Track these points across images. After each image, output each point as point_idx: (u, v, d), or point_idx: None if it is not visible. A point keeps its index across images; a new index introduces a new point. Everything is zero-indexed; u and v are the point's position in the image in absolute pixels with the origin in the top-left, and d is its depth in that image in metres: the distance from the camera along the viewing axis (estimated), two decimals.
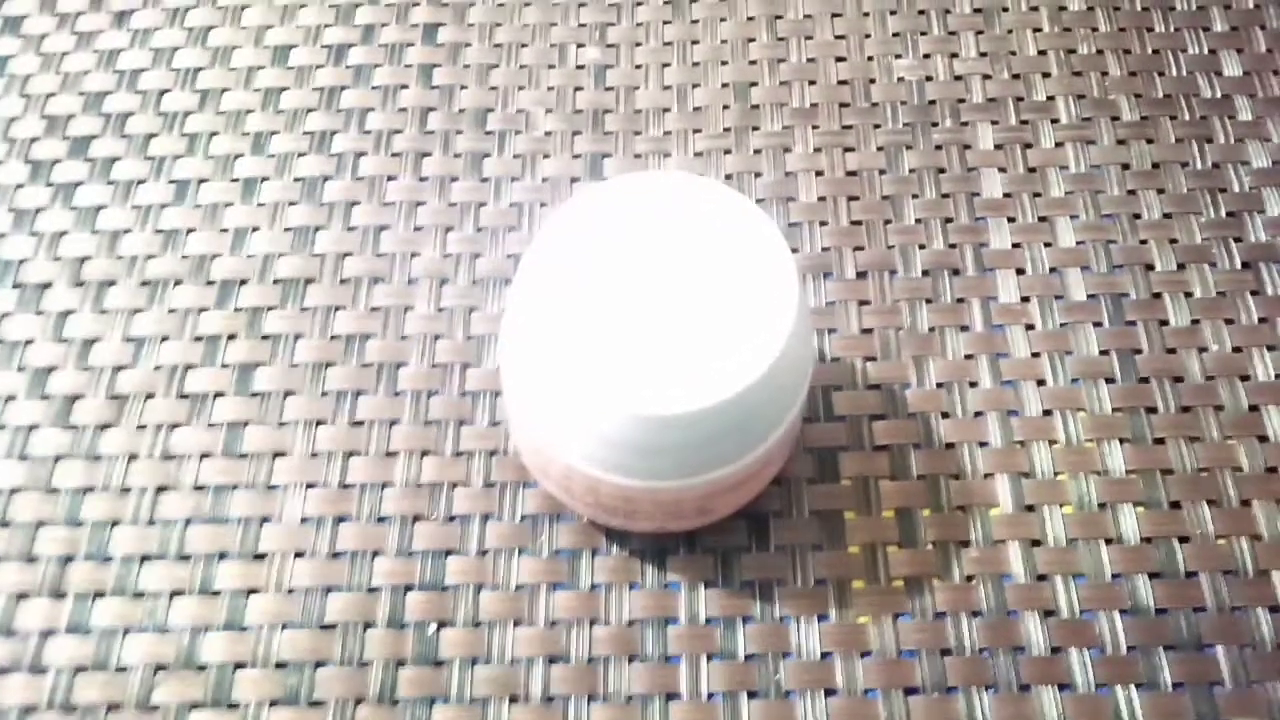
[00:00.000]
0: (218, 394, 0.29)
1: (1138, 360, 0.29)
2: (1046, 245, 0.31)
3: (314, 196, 0.32)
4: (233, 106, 0.34)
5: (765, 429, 0.23)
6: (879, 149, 0.33)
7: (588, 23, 0.35)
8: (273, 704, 0.25)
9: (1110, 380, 0.29)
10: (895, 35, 0.35)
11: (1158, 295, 0.30)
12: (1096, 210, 0.32)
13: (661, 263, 0.23)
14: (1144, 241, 0.31)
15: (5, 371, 0.29)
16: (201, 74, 0.34)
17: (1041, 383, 0.29)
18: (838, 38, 0.35)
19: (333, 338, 0.30)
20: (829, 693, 0.25)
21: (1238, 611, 0.26)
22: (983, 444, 0.28)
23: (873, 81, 0.34)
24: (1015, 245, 0.31)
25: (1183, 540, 0.27)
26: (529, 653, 0.26)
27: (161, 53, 0.35)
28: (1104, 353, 0.29)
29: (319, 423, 0.29)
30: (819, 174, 0.32)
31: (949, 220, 0.32)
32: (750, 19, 0.35)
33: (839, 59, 0.34)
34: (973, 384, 0.29)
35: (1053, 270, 0.31)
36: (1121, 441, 0.28)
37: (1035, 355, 0.29)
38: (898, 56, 0.34)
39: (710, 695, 0.25)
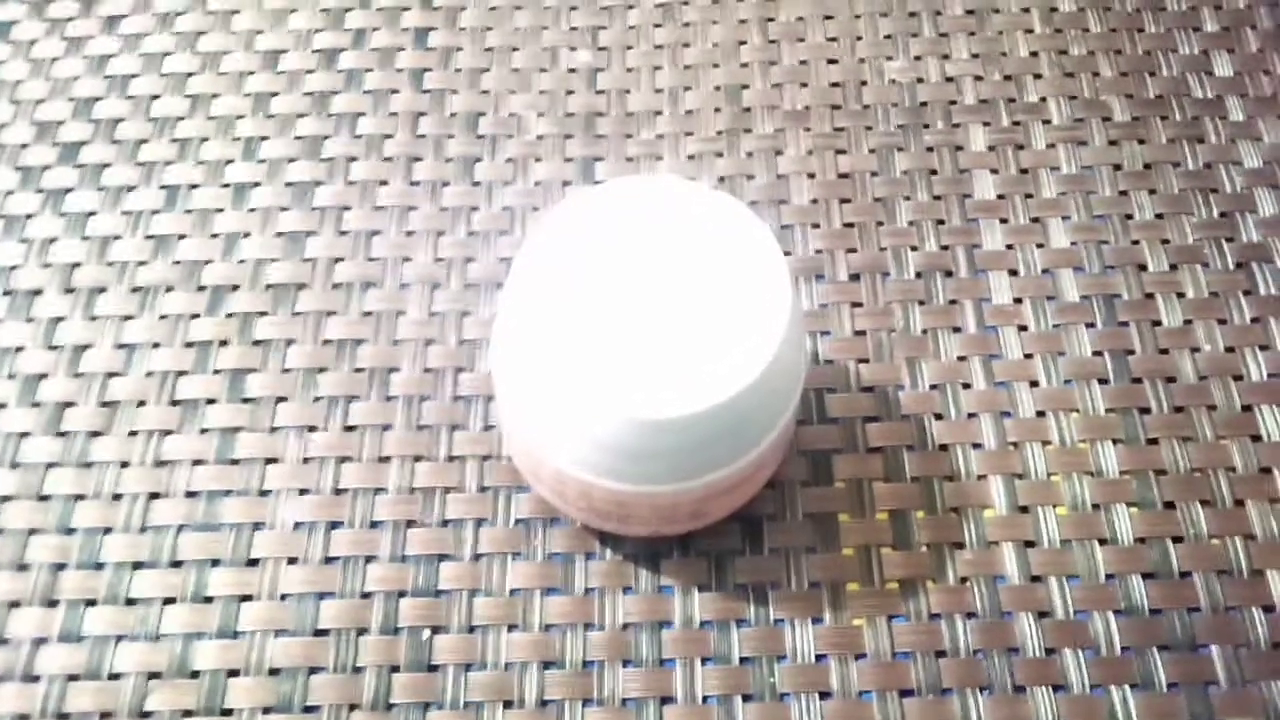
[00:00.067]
0: (209, 400, 0.29)
1: (1130, 361, 0.29)
2: (1039, 246, 0.31)
3: (305, 202, 0.32)
4: (223, 112, 0.34)
5: (759, 432, 0.23)
6: (871, 151, 0.33)
7: (579, 26, 0.35)
8: (266, 711, 0.25)
9: (1103, 381, 0.29)
10: (887, 37, 0.35)
11: (1150, 296, 0.30)
12: (1089, 211, 0.32)
13: (654, 266, 0.23)
14: (1136, 242, 0.31)
15: None
16: (191, 79, 0.34)
17: (1034, 384, 0.29)
18: (829, 40, 0.35)
19: (324, 343, 0.30)
20: (824, 695, 0.25)
21: (1232, 611, 0.26)
22: (976, 445, 0.28)
23: (864, 84, 0.34)
24: (1008, 246, 0.31)
25: (1176, 540, 0.27)
26: (523, 657, 0.26)
27: (151, 58, 0.35)
28: (1097, 353, 0.30)
29: (311, 428, 0.28)
30: (811, 176, 0.32)
31: (941, 222, 0.32)
32: (742, 22, 0.35)
33: (830, 61, 0.34)
34: (966, 385, 0.29)
35: (1045, 271, 0.31)
36: (1115, 442, 0.28)
37: (1028, 356, 0.29)
38: (889, 59, 0.34)
39: (705, 698, 0.25)
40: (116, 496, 0.28)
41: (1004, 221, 0.32)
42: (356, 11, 0.35)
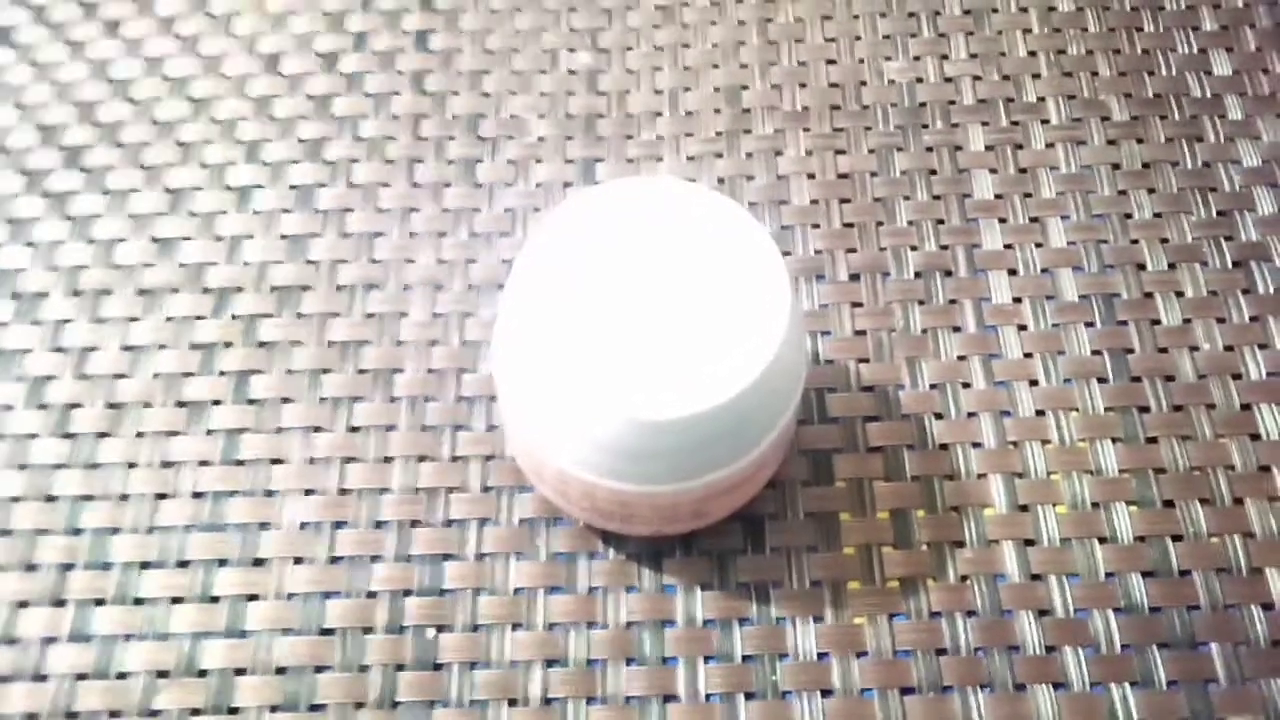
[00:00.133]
0: (215, 402, 0.29)
1: (1130, 360, 0.30)
2: (1038, 246, 0.31)
3: (308, 204, 0.32)
4: (226, 115, 0.34)
5: (759, 432, 0.24)
6: (870, 151, 0.33)
7: (579, 28, 0.35)
8: (273, 709, 0.25)
9: (1102, 380, 0.29)
10: (885, 38, 0.35)
11: (1149, 295, 0.31)
12: (1087, 210, 0.32)
13: (654, 267, 0.23)
14: (1135, 241, 0.31)
15: (3, 381, 0.29)
16: (194, 82, 0.34)
17: (1034, 383, 0.29)
18: (828, 41, 0.35)
19: (329, 344, 0.30)
20: (825, 693, 0.25)
21: (1231, 609, 0.26)
22: (976, 444, 0.28)
23: (863, 84, 0.34)
24: (1007, 246, 0.31)
25: (1176, 539, 0.27)
26: (527, 656, 0.26)
27: (154, 62, 0.35)
28: (1096, 352, 0.30)
29: (316, 429, 0.29)
30: (811, 177, 0.32)
31: (941, 222, 0.32)
32: (741, 23, 0.35)
33: (829, 62, 0.35)
34: (966, 385, 0.29)
35: (1044, 271, 0.31)
36: (1114, 441, 0.28)
37: (1028, 356, 0.30)
38: (888, 59, 0.35)
39: (708, 696, 0.25)
40: (124, 497, 0.28)
41: (1003, 221, 0.32)
42: (357, 14, 0.36)
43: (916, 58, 0.35)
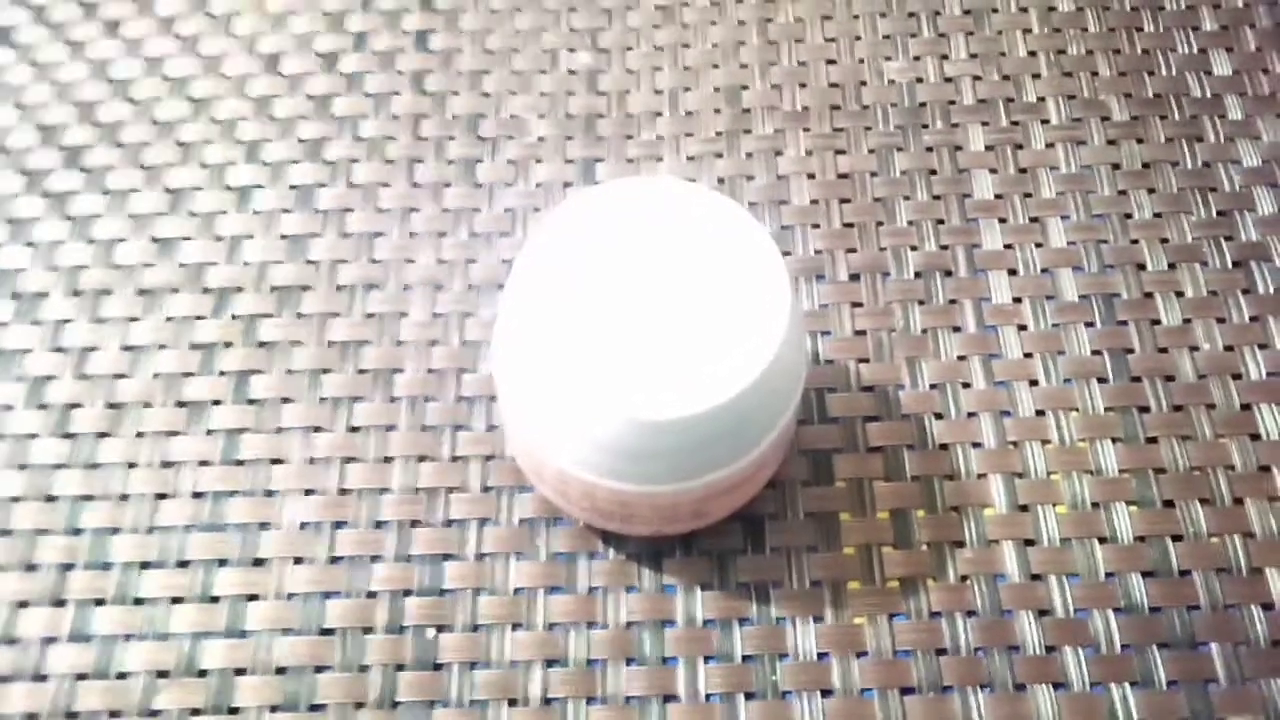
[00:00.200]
0: (215, 402, 0.29)
1: (1130, 360, 0.30)
2: (1038, 246, 0.31)
3: (308, 204, 0.32)
4: (226, 115, 0.34)
5: (759, 432, 0.24)
6: (870, 151, 0.33)
7: (579, 28, 0.35)
8: (273, 709, 0.25)
9: (1102, 380, 0.29)
10: (885, 38, 0.35)
11: (1149, 295, 0.31)
12: (1087, 210, 0.32)
13: (654, 268, 0.23)
14: (1135, 241, 0.31)
15: (3, 381, 0.29)
16: (194, 82, 0.34)
17: (1034, 383, 0.29)
18: (828, 41, 0.35)
19: (329, 344, 0.30)
20: (825, 693, 0.25)
21: (1231, 609, 0.26)
22: (976, 444, 0.28)
23: (863, 84, 0.34)
24: (1007, 246, 0.31)
25: (1176, 539, 0.27)
26: (527, 656, 0.26)
27: (154, 62, 0.35)
28: (1096, 352, 0.30)
29: (316, 429, 0.29)
30: (811, 177, 0.32)
31: (941, 222, 0.32)
32: (741, 23, 0.35)
33: (829, 62, 0.35)
34: (966, 385, 0.29)
35: (1044, 271, 0.31)
36: (1114, 441, 0.28)
37: (1028, 356, 0.30)
38: (888, 59, 0.35)
39: (708, 696, 0.25)
40: (124, 497, 0.28)
41: (1003, 221, 0.32)
42: (357, 14, 0.36)
43: (916, 58, 0.35)
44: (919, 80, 0.34)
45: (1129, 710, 0.25)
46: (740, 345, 0.23)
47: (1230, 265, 0.31)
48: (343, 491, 0.28)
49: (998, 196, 0.32)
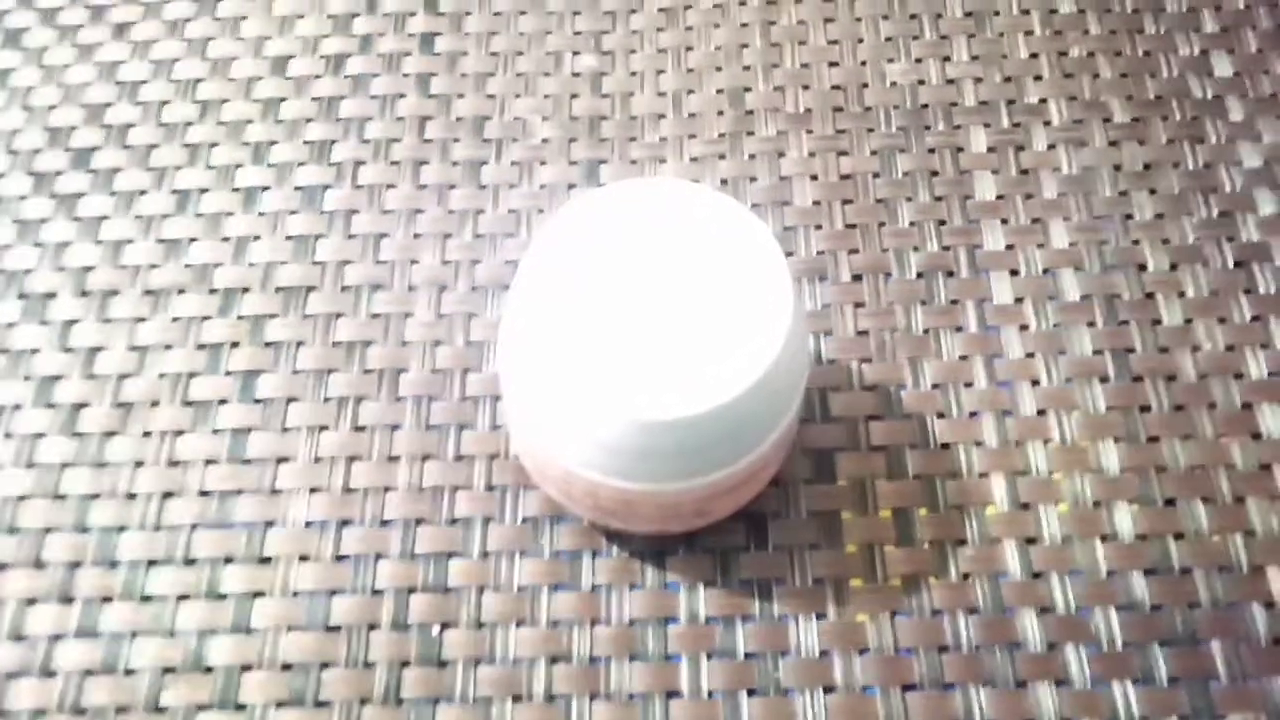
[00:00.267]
0: (222, 401, 0.29)
1: (1131, 359, 0.30)
2: (1039, 246, 0.31)
3: (314, 205, 0.32)
4: (233, 117, 0.34)
5: (762, 431, 0.24)
6: (873, 153, 0.33)
7: (583, 30, 0.35)
8: (279, 705, 0.25)
9: (1104, 380, 0.29)
10: (887, 40, 0.35)
11: (1150, 295, 0.31)
12: (1089, 211, 0.32)
13: (658, 268, 0.24)
14: (1136, 242, 0.32)
15: (12, 381, 0.30)
16: (201, 85, 0.35)
17: (1036, 383, 0.29)
18: (831, 43, 0.35)
19: (334, 344, 0.30)
20: (828, 690, 0.25)
21: (1232, 607, 0.26)
22: (978, 444, 0.28)
23: (866, 86, 0.34)
24: (1009, 247, 0.31)
25: (1177, 537, 0.27)
26: (531, 653, 0.26)
27: (161, 64, 0.35)
28: (1097, 352, 0.30)
29: (322, 428, 0.29)
30: (813, 178, 0.33)
31: (943, 223, 0.32)
32: (744, 25, 0.36)
33: (832, 64, 0.35)
34: (968, 384, 0.29)
35: (1046, 271, 0.31)
36: (1115, 440, 0.29)
37: (1029, 355, 0.30)
38: (890, 61, 0.35)
39: (710, 693, 0.26)
40: (131, 495, 0.28)
41: (1005, 222, 0.32)
42: (363, 17, 0.36)
43: (918, 60, 0.35)
44: (921, 82, 0.34)
45: (1130, 707, 0.25)
46: (743, 345, 0.23)
47: (1231, 265, 0.31)
48: (348, 490, 0.28)
49: (999, 197, 0.32)
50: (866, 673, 0.26)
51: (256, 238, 0.32)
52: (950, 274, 0.31)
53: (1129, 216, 0.32)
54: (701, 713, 0.25)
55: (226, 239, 0.32)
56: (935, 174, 0.33)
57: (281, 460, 0.28)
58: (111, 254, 0.32)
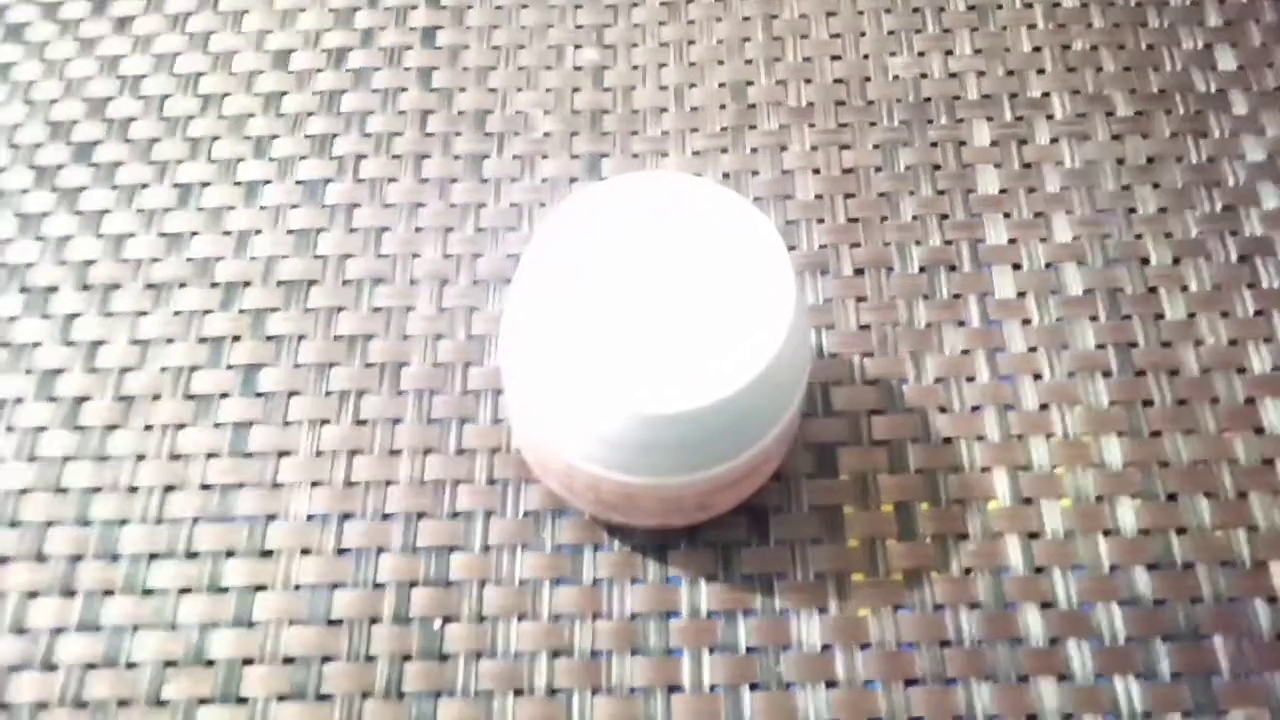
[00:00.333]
0: (223, 395, 0.29)
1: (1134, 354, 0.30)
2: (1042, 240, 0.31)
3: (315, 199, 0.32)
4: (234, 111, 0.34)
5: (764, 426, 0.24)
6: (875, 147, 0.33)
7: (585, 24, 0.35)
8: (281, 699, 0.25)
9: (1107, 374, 0.29)
10: (890, 33, 0.35)
11: (1154, 289, 0.31)
12: (1092, 205, 0.32)
13: (660, 262, 0.24)
14: (1139, 236, 0.31)
15: (13, 374, 0.30)
16: (203, 79, 0.35)
17: (1038, 377, 0.29)
18: (833, 36, 0.35)
19: (336, 338, 0.30)
20: (829, 684, 0.25)
21: (1235, 602, 0.26)
22: (980, 438, 0.28)
23: (868, 80, 0.34)
24: (1011, 241, 0.31)
25: (1180, 532, 0.27)
26: (532, 647, 0.26)
27: (163, 58, 0.35)
28: (1100, 347, 0.30)
29: (324, 422, 0.29)
30: (816, 172, 0.33)
31: (945, 217, 0.32)
32: (746, 19, 0.35)
33: (835, 58, 0.35)
34: (970, 379, 0.29)
35: (1049, 265, 0.31)
36: (1118, 434, 0.28)
37: (1032, 350, 0.30)
38: (893, 54, 0.35)
39: (712, 687, 0.25)
40: (133, 489, 0.28)
41: (1007, 216, 0.32)
42: (365, 11, 0.36)
43: (921, 53, 0.35)
44: (923, 76, 0.34)
45: (1132, 703, 0.25)
46: (745, 339, 0.23)
47: (1235, 260, 0.31)
48: (350, 484, 0.28)
49: (1002, 191, 0.32)
50: (868, 667, 0.26)
51: (258, 231, 0.32)
52: (952, 268, 0.31)
53: (1132, 210, 0.32)
54: (703, 707, 0.25)
55: (228, 233, 0.32)
56: (938, 168, 0.33)
57: (283, 454, 0.28)
58: (113, 248, 0.32)
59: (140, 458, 0.28)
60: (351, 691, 0.26)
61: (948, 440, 0.28)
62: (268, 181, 0.33)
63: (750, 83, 0.34)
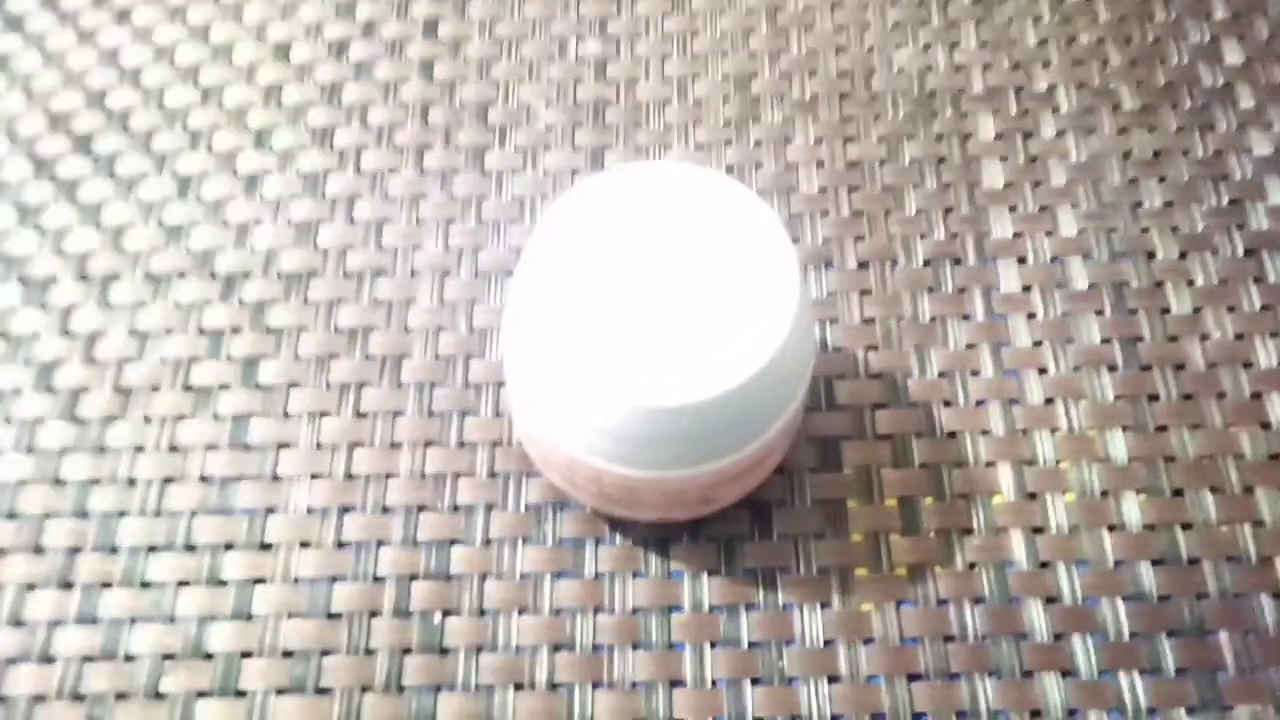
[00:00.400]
0: (223, 386, 0.29)
1: (1139, 348, 0.29)
2: (1048, 234, 0.31)
3: (316, 191, 0.32)
4: (234, 102, 0.34)
5: (767, 419, 0.24)
6: (879, 140, 0.33)
7: (587, 16, 0.35)
8: (280, 692, 0.25)
9: (1112, 368, 0.29)
10: (895, 26, 0.35)
11: (1159, 283, 0.30)
12: (1098, 199, 0.32)
13: (663, 254, 0.23)
14: (1145, 230, 0.31)
15: (12, 366, 0.29)
16: (203, 70, 0.34)
17: (1043, 371, 0.29)
18: (837, 29, 0.35)
19: (336, 330, 0.30)
20: (832, 679, 0.25)
21: (1240, 597, 0.26)
22: (984, 432, 0.28)
23: (873, 72, 0.34)
24: (1016, 234, 0.31)
25: (1185, 527, 0.27)
26: (534, 641, 0.26)
27: (163, 49, 0.35)
28: (1105, 341, 0.30)
29: (324, 414, 0.29)
30: (819, 165, 0.32)
31: (950, 210, 0.32)
32: (749, 11, 0.35)
33: (839, 50, 0.34)
34: (974, 373, 0.29)
35: (1054, 259, 0.31)
36: (1123, 429, 0.28)
37: (1037, 344, 0.29)
38: (898, 47, 0.34)
39: (714, 682, 0.25)
40: (131, 481, 0.28)
41: (1013, 209, 0.32)
42: (366, 3, 0.36)
43: (926, 46, 0.34)
44: (929, 69, 0.34)
45: (1137, 698, 0.25)
46: (748, 332, 0.22)
47: (1241, 254, 0.31)
48: (350, 476, 0.28)
49: (1007, 185, 0.32)
50: (871, 662, 0.25)
51: (258, 223, 0.32)
52: (957, 261, 0.31)
53: (1138, 204, 0.32)
54: (705, 702, 0.25)
55: (228, 224, 0.32)
56: (942, 161, 0.32)
57: (283, 446, 0.28)
58: (112, 239, 0.31)
59: (139, 449, 0.28)
60: (351, 685, 0.25)
61: (952, 434, 0.28)
62: (268, 173, 0.32)
63: (754, 75, 0.34)
